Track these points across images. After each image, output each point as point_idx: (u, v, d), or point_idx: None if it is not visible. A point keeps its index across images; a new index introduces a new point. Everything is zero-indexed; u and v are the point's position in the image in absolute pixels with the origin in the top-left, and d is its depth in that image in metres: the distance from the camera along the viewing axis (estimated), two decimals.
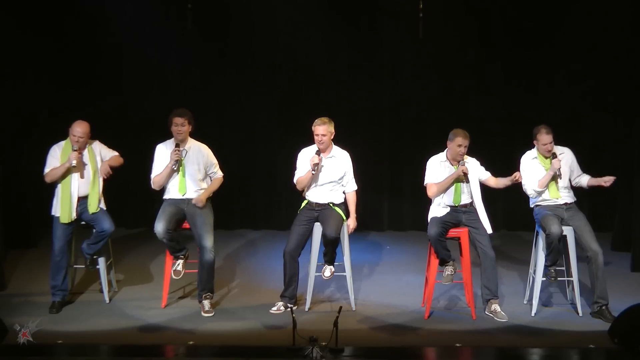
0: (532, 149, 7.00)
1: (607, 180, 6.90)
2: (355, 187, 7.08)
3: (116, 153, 7.18)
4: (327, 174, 6.94)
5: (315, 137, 6.88)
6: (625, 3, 8.66)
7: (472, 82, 9.68)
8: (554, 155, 6.85)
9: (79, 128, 6.84)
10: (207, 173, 7.04)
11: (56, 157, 6.90)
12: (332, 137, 6.93)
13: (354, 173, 7.08)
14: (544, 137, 6.84)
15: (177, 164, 6.88)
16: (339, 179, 6.99)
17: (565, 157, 6.96)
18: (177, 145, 6.88)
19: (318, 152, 6.87)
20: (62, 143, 6.97)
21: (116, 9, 9.33)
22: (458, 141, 6.75)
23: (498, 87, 9.66)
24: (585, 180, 7.04)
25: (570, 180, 7.01)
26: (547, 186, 6.85)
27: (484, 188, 6.95)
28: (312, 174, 6.84)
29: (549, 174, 6.83)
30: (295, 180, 7.01)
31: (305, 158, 6.97)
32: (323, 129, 6.85)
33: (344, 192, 7.05)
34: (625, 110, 8.92)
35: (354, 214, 6.99)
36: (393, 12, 9.54)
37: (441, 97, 9.72)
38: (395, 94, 9.86)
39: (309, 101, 9.56)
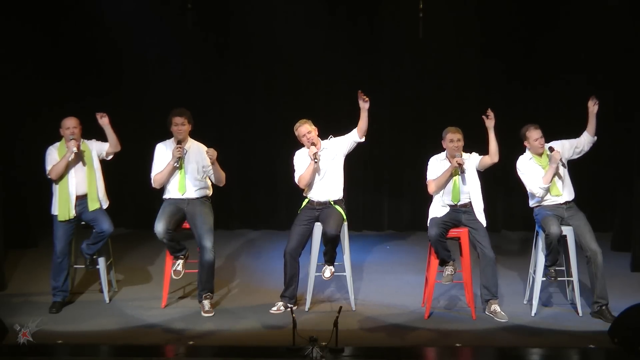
0: (525, 153, 6.99)
1: (593, 103, 6.85)
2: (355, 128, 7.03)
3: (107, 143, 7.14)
4: (326, 165, 6.96)
5: (303, 139, 6.92)
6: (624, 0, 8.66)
7: (472, 82, 9.67)
8: (551, 149, 6.85)
9: (69, 121, 6.88)
10: (205, 172, 7.03)
11: (54, 156, 6.92)
12: (317, 133, 6.96)
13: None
14: (534, 133, 6.87)
15: (179, 161, 6.89)
16: (339, 163, 6.99)
17: (556, 148, 6.95)
18: (178, 142, 6.89)
19: (314, 145, 6.90)
20: (57, 144, 6.98)
21: (116, 9, 9.33)
22: (449, 137, 6.79)
23: (498, 87, 9.65)
24: (586, 136, 6.94)
25: (576, 154, 6.99)
26: (552, 180, 6.84)
27: (485, 188, 6.95)
28: (315, 162, 6.85)
29: (552, 167, 6.81)
30: (297, 179, 7.01)
31: (301, 158, 7.01)
32: (305, 127, 6.91)
33: (341, 185, 7.03)
34: (625, 110, 8.92)
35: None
36: (393, 11, 9.54)
37: (441, 96, 9.71)
38: (395, 93, 9.85)
39: (308, 100, 9.56)
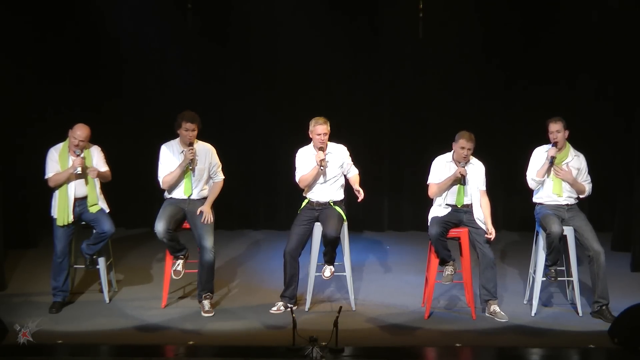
0: (548, 144, 6.98)
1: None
2: (357, 171, 7.07)
3: (107, 169, 7.14)
4: (329, 170, 6.94)
5: (317, 137, 6.87)
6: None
7: (472, 82, 9.67)
8: (554, 144, 6.85)
9: (80, 132, 6.79)
10: (210, 173, 7.03)
11: (56, 161, 6.88)
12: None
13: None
14: (550, 125, 6.86)
15: (192, 163, 6.88)
16: (339, 173, 6.98)
17: (579, 159, 6.96)
18: (189, 144, 6.87)
19: (321, 149, 6.88)
20: (59, 146, 6.94)
21: (116, 9, 9.33)
22: (461, 143, 6.75)
23: (498, 87, 9.65)
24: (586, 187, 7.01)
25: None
26: (544, 175, 6.85)
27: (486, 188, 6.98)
28: (321, 170, 6.84)
29: (545, 163, 6.84)
30: (297, 179, 7.00)
31: (304, 157, 6.98)
32: (324, 128, 6.85)
33: (342, 187, 7.04)
34: (625, 110, 8.93)
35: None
36: (393, 11, 9.53)
37: (441, 97, 9.71)
38: (395, 93, 9.85)
39: (308, 101, 9.56)
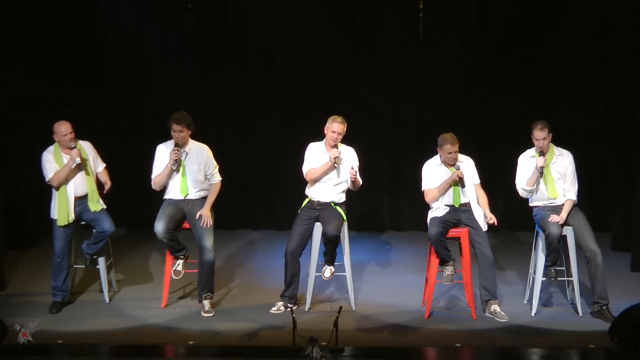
0: (532, 148, 6.98)
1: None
2: (361, 182, 7.07)
3: (104, 164, 7.17)
4: (339, 170, 6.94)
5: (331, 134, 6.87)
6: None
7: (472, 82, 9.66)
8: (541, 153, 6.83)
9: (64, 127, 6.82)
10: (206, 174, 7.03)
11: (52, 161, 6.88)
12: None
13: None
14: (537, 133, 6.81)
15: (177, 164, 6.88)
16: (346, 178, 6.98)
17: (563, 158, 6.93)
18: (176, 145, 6.87)
19: (335, 147, 6.88)
20: (51, 148, 6.93)
21: (116, 9, 9.33)
22: (447, 149, 6.76)
23: (498, 86, 9.64)
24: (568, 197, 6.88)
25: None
26: (534, 184, 6.84)
27: (485, 189, 6.97)
28: (335, 166, 6.85)
29: (535, 172, 6.82)
30: (305, 172, 6.99)
31: (314, 152, 6.98)
32: (340, 127, 6.87)
33: (344, 191, 7.05)
34: (625, 110, 8.92)
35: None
36: (393, 11, 9.53)
37: (441, 96, 9.70)
38: (395, 93, 9.84)
39: (308, 101, 9.55)
